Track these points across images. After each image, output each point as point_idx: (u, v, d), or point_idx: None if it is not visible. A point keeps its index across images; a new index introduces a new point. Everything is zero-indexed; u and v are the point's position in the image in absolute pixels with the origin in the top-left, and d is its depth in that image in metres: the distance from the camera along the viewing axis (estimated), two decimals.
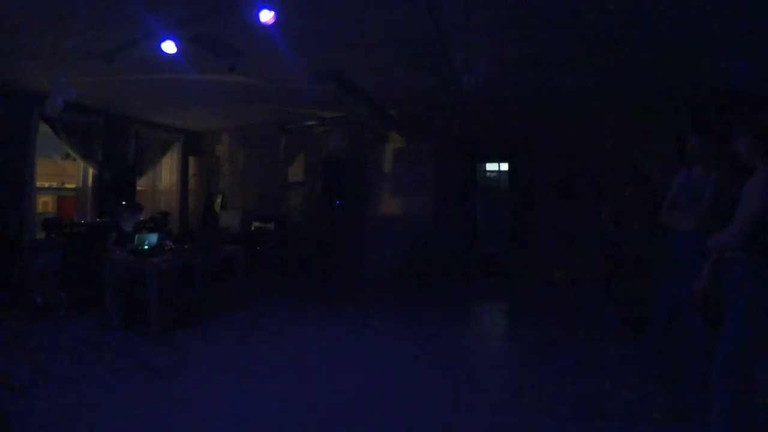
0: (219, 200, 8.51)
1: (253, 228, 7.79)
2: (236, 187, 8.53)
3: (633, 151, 5.58)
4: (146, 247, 4.41)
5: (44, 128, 5.97)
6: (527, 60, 4.42)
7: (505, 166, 7.51)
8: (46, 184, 8.87)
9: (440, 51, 4.14)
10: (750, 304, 1.92)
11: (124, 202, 5.14)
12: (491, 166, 7.80)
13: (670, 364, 2.78)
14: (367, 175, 7.48)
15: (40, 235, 5.77)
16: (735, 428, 1.93)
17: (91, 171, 6.68)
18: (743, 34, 3.60)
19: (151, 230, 4.99)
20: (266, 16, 3.27)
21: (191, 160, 8.65)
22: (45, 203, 8.82)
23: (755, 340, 1.94)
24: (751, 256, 1.91)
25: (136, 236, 4.46)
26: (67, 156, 8.19)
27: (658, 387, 2.77)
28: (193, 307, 5.11)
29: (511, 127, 6.65)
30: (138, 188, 7.40)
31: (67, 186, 8.63)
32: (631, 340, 3.76)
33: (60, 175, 9.16)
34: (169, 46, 3.78)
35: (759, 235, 1.88)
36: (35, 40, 3.92)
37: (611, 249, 4.60)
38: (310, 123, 7.57)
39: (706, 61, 4.23)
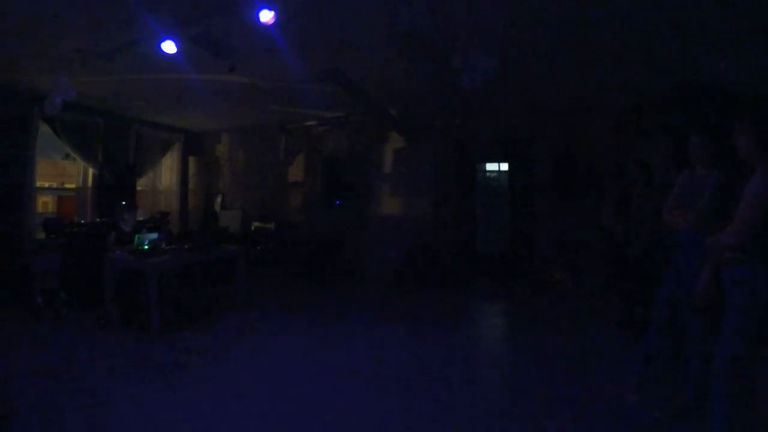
0: (219, 200, 8.51)
1: (253, 228, 7.78)
2: (236, 187, 8.53)
3: (634, 151, 5.58)
4: (146, 247, 4.41)
5: (44, 128, 5.98)
6: (527, 60, 4.42)
7: (505, 166, 7.51)
8: (46, 184, 8.88)
9: (440, 51, 4.14)
10: (750, 305, 1.91)
11: (123, 202, 5.14)
12: (491, 166, 7.80)
13: (670, 364, 2.78)
14: (367, 175, 7.47)
15: (40, 235, 5.77)
16: (735, 428, 1.93)
17: (91, 171, 6.68)
18: (742, 34, 3.60)
19: (151, 230, 4.98)
20: (266, 16, 3.28)
21: (191, 160, 8.65)
22: (45, 203, 8.83)
23: (755, 341, 1.94)
24: (751, 256, 1.91)
25: (136, 236, 4.46)
26: (67, 156, 8.21)
27: (658, 387, 2.77)
28: (193, 307, 5.11)
29: (511, 127, 6.65)
30: (138, 188, 7.41)
31: (67, 186, 8.64)
32: (631, 341, 3.76)
33: (60, 175, 9.17)
34: (169, 46, 3.78)
35: (759, 236, 1.88)
36: (35, 40, 3.92)
37: (613, 248, 4.58)
38: (310, 123, 7.57)
39: (706, 61, 4.23)
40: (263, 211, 8.02)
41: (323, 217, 7.64)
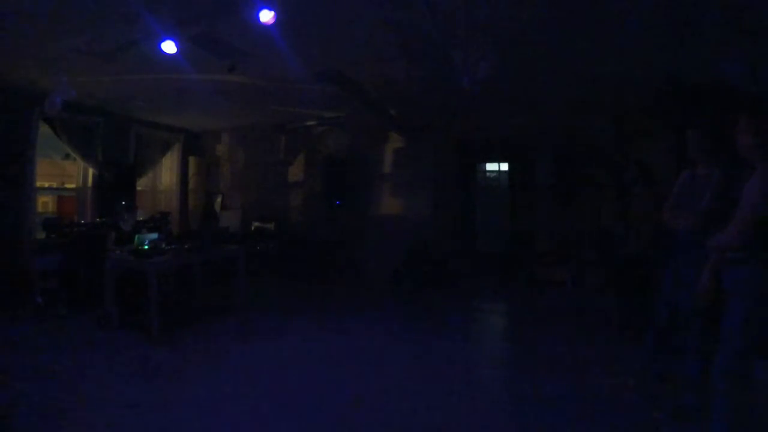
0: (219, 200, 8.50)
1: (253, 228, 7.78)
2: (236, 187, 8.53)
3: (634, 151, 5.58)
4: (146, 247, 4.40)
5: (44, 128, 5.97)
6: (527, 60, 4.42)
7: (505, 166, 7.51)
8: (46, 184, 8.85)
9: (440, 51, 4.14)
10: (750, 305, 1.91)
11: (123, 202, 5.14)
12: (491, 166, 7.80)
13: (670, 364, 2.78)
14: (367, 175, 7.47)
15: (40, 235, 5.76)
16: (735, 429, 1.93)
17: (91, 171, 6.67)
18: (742, 33, 3.60)
19: (151, 230, 4.98)
20: (266, 16, 3.27)
21: (191, 160, 8.64)
22: (45, 203, 8.80)
23: (756, 341, 1.94)
24: (751, 256, 1.91)
25: (136, 236, 4.46)
26: (67, 156, 8.18)
27: (658, 387, 2.77)
28: (193, 307, 5.11)
29: (511, 127, 6.64)
30: (138, 188, 7.40)
31: (67, 186, 8.62)
32: (631, 341, 3.76)
33: (60, 175, 9.14)
34: (169, 46, 3.78)
35: (759, 235, 1.88)
36: (35, 40, 3.91)
37: (613, 248, 4.59)
38: (310, 123, 7.57)
39: (706, 59, 4.23)
40: (263, 211, 8.01)
41: (323, 217, 7.63)
